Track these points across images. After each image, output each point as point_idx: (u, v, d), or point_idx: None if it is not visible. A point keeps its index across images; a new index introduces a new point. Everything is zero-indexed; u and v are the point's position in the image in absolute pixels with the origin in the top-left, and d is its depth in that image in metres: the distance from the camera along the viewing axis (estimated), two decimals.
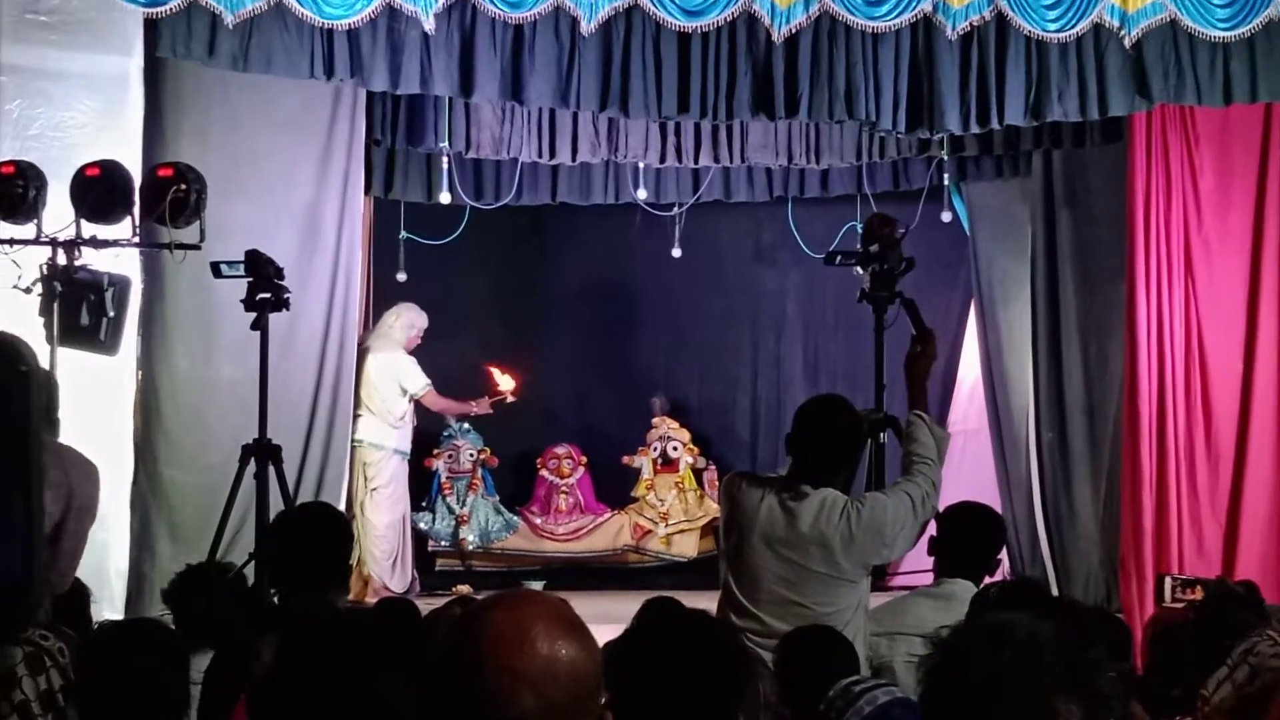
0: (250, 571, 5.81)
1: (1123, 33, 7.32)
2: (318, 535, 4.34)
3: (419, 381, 9.27)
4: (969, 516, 5.09)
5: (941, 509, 5.12)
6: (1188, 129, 8.11)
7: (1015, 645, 1.56)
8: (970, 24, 7.23)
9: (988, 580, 4.93)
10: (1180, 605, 5.56)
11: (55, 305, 6.37)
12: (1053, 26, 7.25)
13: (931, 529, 4.97)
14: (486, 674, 1.77)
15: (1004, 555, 5.14)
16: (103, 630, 3.90)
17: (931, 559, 5.01)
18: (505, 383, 9.83)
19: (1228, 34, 7.37)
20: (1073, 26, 7.25)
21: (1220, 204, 8.14)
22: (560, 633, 1.82)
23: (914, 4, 7.17)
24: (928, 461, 4.79)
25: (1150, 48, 7.35)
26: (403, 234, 9.83)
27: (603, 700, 1.84)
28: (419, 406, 9.40)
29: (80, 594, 5.00)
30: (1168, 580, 6.85)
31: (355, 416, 8.82)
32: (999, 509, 8.90)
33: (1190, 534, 7.99)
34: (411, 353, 9.36)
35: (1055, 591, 8.21)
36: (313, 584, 4.18)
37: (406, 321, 9.38)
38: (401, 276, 9.75)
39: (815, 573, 4.61)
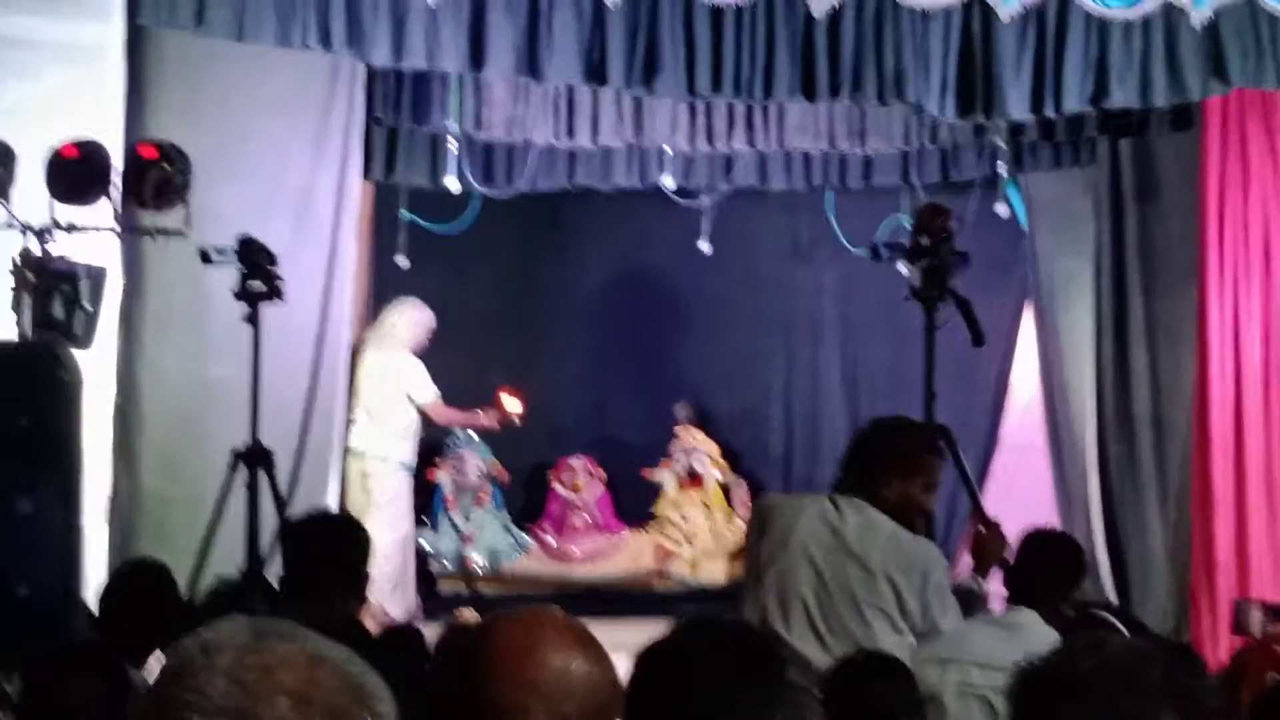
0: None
1: (1195, 12, 7.30)
2: (327, 542, 4.46)
3: (427, 391, 9.15)
4: (1048, 544, 5.14)
5: (1019, 534, 5.17)
6: (1268, 115, 8.10)
7: (1113, 651, 1.55)
8: (1023, 4, 7.21)
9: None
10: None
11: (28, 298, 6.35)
12: (1117, 3, 7.24)
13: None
14: (496, 687, 1.78)
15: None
16: (46, 654, 3.93)
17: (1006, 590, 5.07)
18: (513, 405, 9.57)
19: None
20: (1140, 2, 7.24)
21: None
22: (572, 645, 1.82)
23: None
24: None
25: (1226, 26, 7.32)
26: (404, 214, 9.76)
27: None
28: (424, 416, 9.32)
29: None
30: (1253, 610, 6.80)
31: (350, 422, 8.82)
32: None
33: (1268, 562, 7.97)
34: (418, 355, 9.31)
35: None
36: (323, 594, 4.28)
37: (411, 320, 9.28)
38: (404, 262, 9.67)
39: (852, 594, 4.63)
